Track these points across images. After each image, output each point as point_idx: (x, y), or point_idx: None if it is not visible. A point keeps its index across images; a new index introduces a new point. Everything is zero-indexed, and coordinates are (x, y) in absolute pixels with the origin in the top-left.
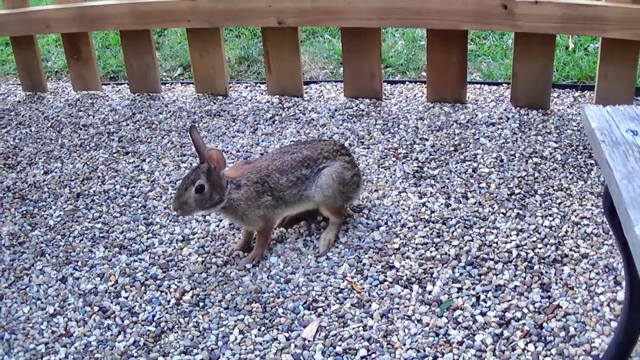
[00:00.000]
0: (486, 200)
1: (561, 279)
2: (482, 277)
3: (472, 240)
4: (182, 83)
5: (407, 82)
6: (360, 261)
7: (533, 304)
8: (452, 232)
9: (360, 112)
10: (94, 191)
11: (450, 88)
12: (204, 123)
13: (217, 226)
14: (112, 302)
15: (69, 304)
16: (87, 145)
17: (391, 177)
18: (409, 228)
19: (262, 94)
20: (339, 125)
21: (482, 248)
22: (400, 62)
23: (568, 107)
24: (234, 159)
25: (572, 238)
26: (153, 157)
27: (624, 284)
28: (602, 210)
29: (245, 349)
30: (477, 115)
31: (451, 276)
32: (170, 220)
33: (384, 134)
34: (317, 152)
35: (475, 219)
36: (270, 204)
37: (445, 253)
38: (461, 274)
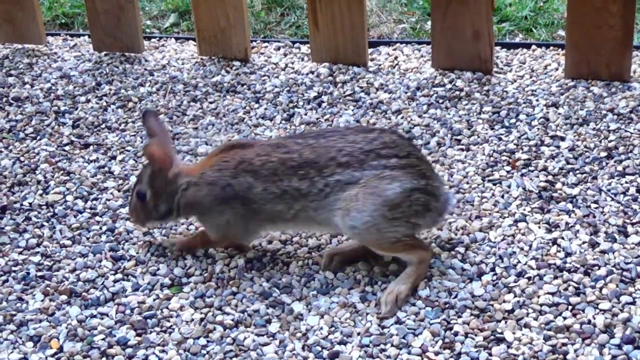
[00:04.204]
0: None
1: None
2: None
3: (633, 303)
4: (177, 39)
5: (533, 46)
6: (450, 328)
7: None
8: (601, 289)
9: (457, 92)
10: (29, 204)
11: (605, 56)
12: (211, 103)
13: (226, 265)
14: None
15: None
16: (20, 131)
17: (503, 196)
18: (529, 279)
19: (302, 59)
20: (423, 112)
21: None
22: (524, 14)
23: None
24: None
25: None
26: (129, 153)
27: None
28: None
29: None
30: None
31: None
32: (152, 254)
33: (493, 129)
34: (329, 152)
35: None
36: (240, 214)
37: (589, 322)
38: (614, 358)
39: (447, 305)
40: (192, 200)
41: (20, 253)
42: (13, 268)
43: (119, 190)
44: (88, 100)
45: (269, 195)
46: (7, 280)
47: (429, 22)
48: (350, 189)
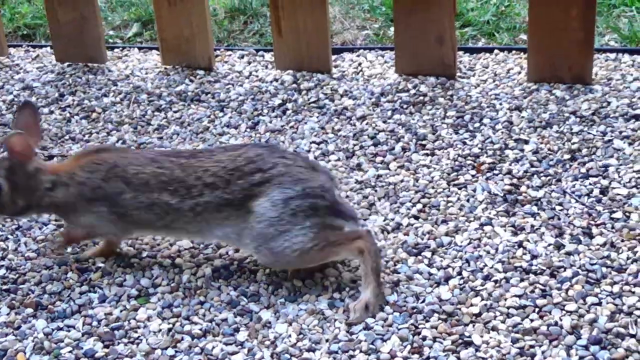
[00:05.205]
0: (623, 241)
1: None
2: None
3: (599, 303)
4: (140, 48)
5: (495, 51)
6: (418, 333)
7: None
8: (567, 290)
9: (421, 97)
10: None
11: (567, 59)
12: (175, 112)
13: (194, 274)
14: None
15: None
16: None
17: (469, 200)
18: (496, 282)
19: (266, 67)
20: (387, 118)
21: (615, 317)
22: (486, 19)
23: None
24: None
25: None
26: None
27: None
28: None
29: None
30: (609, 102)
31: None
32: (119, 265)
33: (458, 133)
34: (197, 172)
35: (605, 269)
36: (107, 216)
37: (555, 323)
38: (582, 359)
39: (414, 310)
40: (59, 200)
41: None
42: None
43: None
44: (51, 112)
45: (139, 203)
46: None
47: (392, 28)
48: (223, 210)
